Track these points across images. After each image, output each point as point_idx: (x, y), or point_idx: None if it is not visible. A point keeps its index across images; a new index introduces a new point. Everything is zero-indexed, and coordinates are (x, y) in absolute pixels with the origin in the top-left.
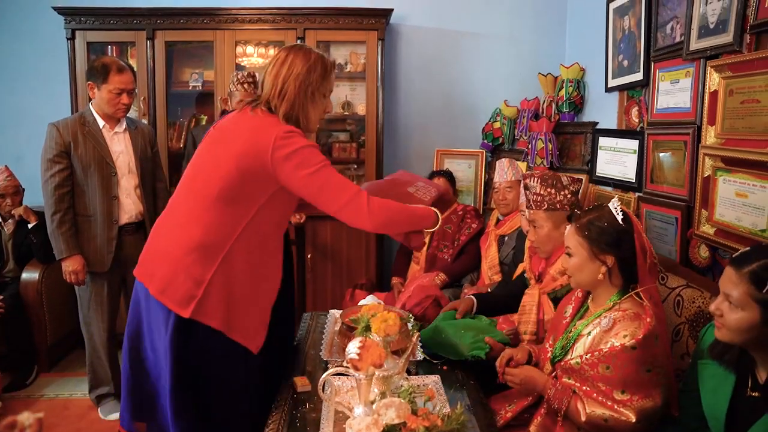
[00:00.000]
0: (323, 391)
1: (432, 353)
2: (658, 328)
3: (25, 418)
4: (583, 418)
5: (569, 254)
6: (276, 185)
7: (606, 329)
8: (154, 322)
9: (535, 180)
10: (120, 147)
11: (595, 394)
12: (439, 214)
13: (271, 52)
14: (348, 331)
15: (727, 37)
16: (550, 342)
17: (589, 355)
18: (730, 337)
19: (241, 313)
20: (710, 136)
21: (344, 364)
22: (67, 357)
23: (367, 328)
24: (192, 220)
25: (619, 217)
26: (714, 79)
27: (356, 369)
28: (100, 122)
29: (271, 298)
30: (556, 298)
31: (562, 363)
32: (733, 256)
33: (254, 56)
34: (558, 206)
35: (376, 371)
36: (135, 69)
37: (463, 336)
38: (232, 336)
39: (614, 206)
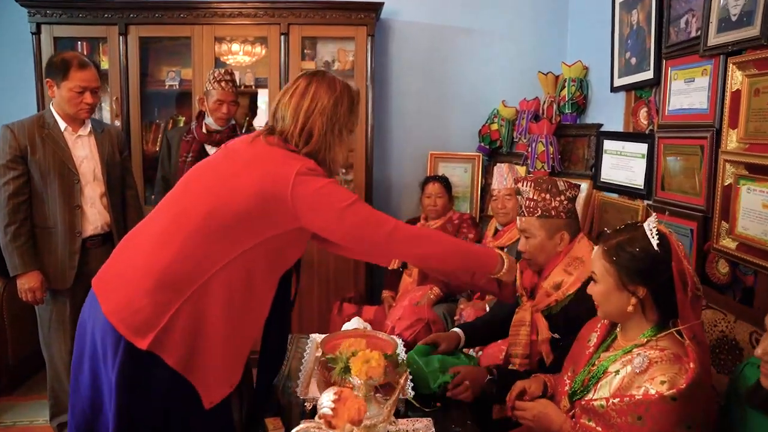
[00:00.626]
0: None
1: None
2: (703, 375)
3: None
4: None
5: (594, 279)
6: (291, 225)
7: (640, 371)
8: (100, 343)
9: (529, 184)
10: (84, 152)
11: None
12: (504, 258)
13: (258, 49)
14: (328, 363)
15: (752, 31)
16: (569, 374)
17: (618, 399)
18: None
19: (206, 356)
20: (731, 140)
21: (317, 418)
22: (33, 378)
23: (346, 370)
24: (167, 241)
25: (655, 243)
26: (736, 78)
27: (330, 427)
28: (62, 124)
29: (244, 350)
30: (551, 316)
31: (583, 402)
32: None
33: (240, 54)
34: (552, 213)
35: (354, 429)
36: (108, 67)
37: (430, 363)
38: (189, 377)
39: (650, 227)
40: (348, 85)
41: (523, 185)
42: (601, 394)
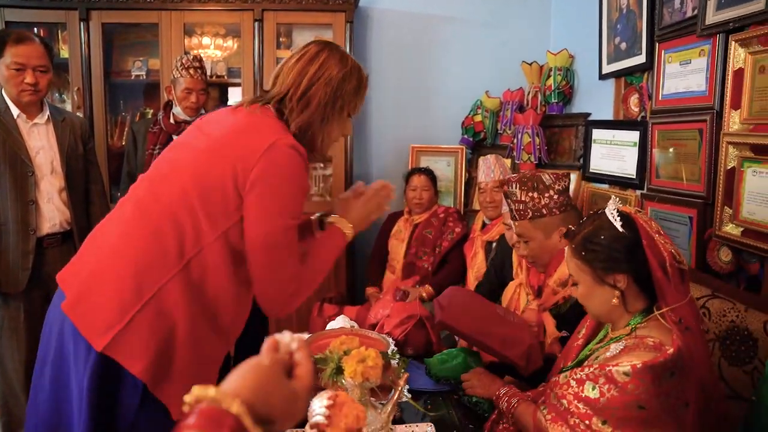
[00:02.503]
0: None
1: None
2: (684, 363)
3: (288, 338)
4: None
5: (574, 282)
6: (237, 212)
7: (613, 355)
8: (72, 345)
9: (515, 185)
10: (40, 142)
11: (571, 418)
12: (344, 228)
13: (230, 43)
14: (317, 365)
15: (757, 5)
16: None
17: (580, 369)
18: None
19: (174, 361)
20: (734, 121)
21: (308, 428)
22: None
23: (339, 371)
24: (133, 232)
25: (618, 225)
26: (739, 56)
27: None
28: (14, 111)
29: (217, 354)
30: (559, 315)
31: (553, 380)
32: None
33: (211, 48)
34: (545, 212)
35: None
36: (68, 56)
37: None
38: (155, 392)
39: (611, 211)
40: (360, 66)
41: (510, 187)
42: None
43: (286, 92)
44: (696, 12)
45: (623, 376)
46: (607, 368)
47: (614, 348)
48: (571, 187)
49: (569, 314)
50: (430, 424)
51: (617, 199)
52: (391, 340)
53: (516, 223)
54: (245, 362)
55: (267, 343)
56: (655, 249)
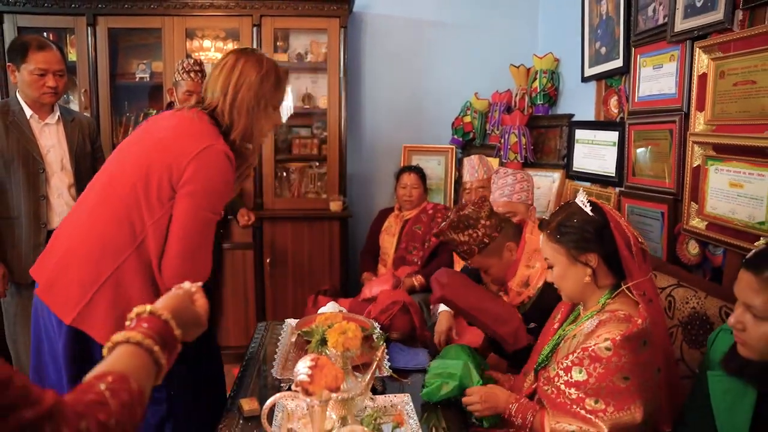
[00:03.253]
0: (272, 417)
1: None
2: (651, 331)
3: (188, 285)
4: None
5: (549, 266)
6: (169, 203)
7: (589, 332)
8: (46, 325)
9: (450, 233)
10: (51, 141)
11: (568, 405)
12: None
13: (230, 45)
14: (306, 344)
15: (716, 15)
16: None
17: (565, 359)
18: (760, 352)
19: None
20: (699, 122)
21: (293, 387)
22: None
23: (323, 342)
24: (94, 217)
25: (588, 210)
26: (702, 61)
27: (307, 394)
28: (27, 111)
29: None
30: (525, 313)
31: (543, 371)
32: (747, 258)
33: (212, 51)
34: (486, 240)
35: (332, 395)
36: (75, 59)
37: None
38: None
39: (581, 199)
40: (275, 64)
41: (447, 236)
42: (560, 357)
43: (217, 104)
44: (666, 20)
45: (606, 352)
46: (590, 348)
47: (589, 324)
48: (555, 185)
49: (533, 310)
50: (407, 394)
51: (584, 192)
52: (376, 324)
53: (469, 261)
54: (168, 293)
55: (178, 286)
56: (621, 230)
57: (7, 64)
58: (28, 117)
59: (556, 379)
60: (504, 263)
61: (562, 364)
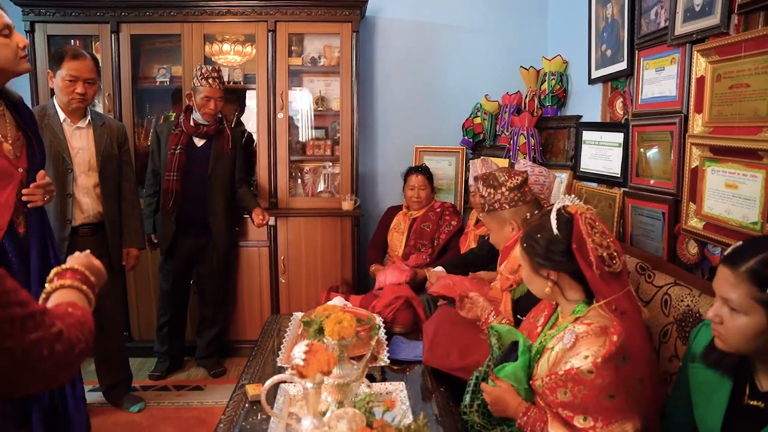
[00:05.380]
0: (274, 400)
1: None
2: (629, 345)
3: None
4: None
5: (521, 265)
6: None
7: (568, 347)
8: None
9: (480, 182)
10: (81, 143)
11: (557, 422)
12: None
13: (248, 49)
14: (304, 327)
15: (713, 19)
16: None
17: (548, 377)
18: (735, 346)
19: None
20: (697, 124)
21: (289, 370)
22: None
23: (320, 331)
24: None
25: (554, 226)
26: (700, 65)
27: (302, 376)
28: (61, 115)
29: None
30: (516, 300)
31: (532, 382)
32: (725, 253)
33: (231, 54)
34: (496, 206)
35: (325, 378)
36: (100, 64)
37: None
38: None
39: (553, 213)
40: None
41: (479, 181)
42: (541, 370)
43: None
44: (667, 23)
45: (588, 375)
46: (573, 372)
47: (567, 339)
48: (563, 185)
49: (523, 300)
50: (402, 382)
51: (572, 196)
52: (379, 318)
53: (480, 216)
54: (71, 256)
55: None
56: (584, 252)
57: (47, 70)
58: (61, 120)
59: (544, 396)
60: (502, 236)
61: (545, 382)
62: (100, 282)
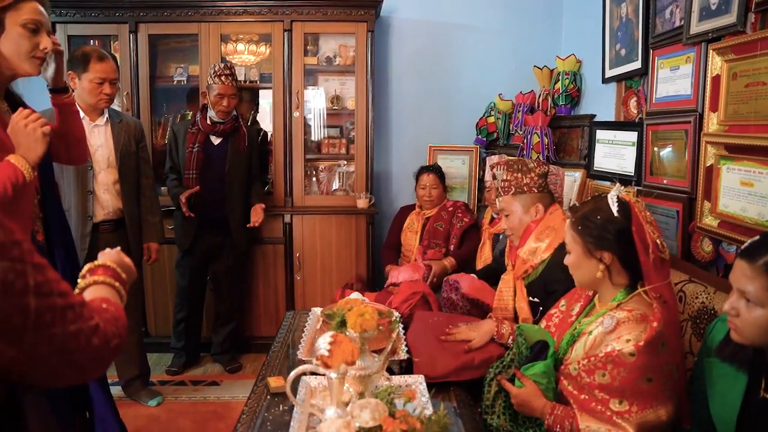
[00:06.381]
0: (295, 393)
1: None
2: (666, 333)
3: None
4: None
5: (568, 251)
6: None
7: (608, 330)
8: None
9: (502, 167)
10: (99, 140)
11: (593, 404)
12: None
13: (263, 48)
14: (326, 319)
15: (729, 18)
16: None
17: (586, 360)
18: (751, 338)
19: None
20: (713, 123)
21: (314, 361)
22: None
23: (342, 323)
24: None
25: (615, 210)
26: (716, 63)
27: (326, 367)
28: (80, 114)
29: None
30: (530, 284)
31: (562, 367)
32: (743, 247)
33: (245, 53)
34: (525, 189)
35: (349, 369)
36: (119, 63)
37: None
38: None
39: (612, 196)
40: None
41: (497, 169)
42: (576, 354)
43: None
44: (683, 22)
45: (630, 357)
46: (614, 354)
47: (608, 323)
48: (576, 184)
49: (537, 283)
50: (420, 375)
51: (622, 186)
52: (397, 314)
53: (500, 199)
54: (101, 252)
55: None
56: (642, 235)
57: (68, 72)
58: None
59: (579, 378)
60: (524, 219)
61: (583, 364)
62: (131, 279)
